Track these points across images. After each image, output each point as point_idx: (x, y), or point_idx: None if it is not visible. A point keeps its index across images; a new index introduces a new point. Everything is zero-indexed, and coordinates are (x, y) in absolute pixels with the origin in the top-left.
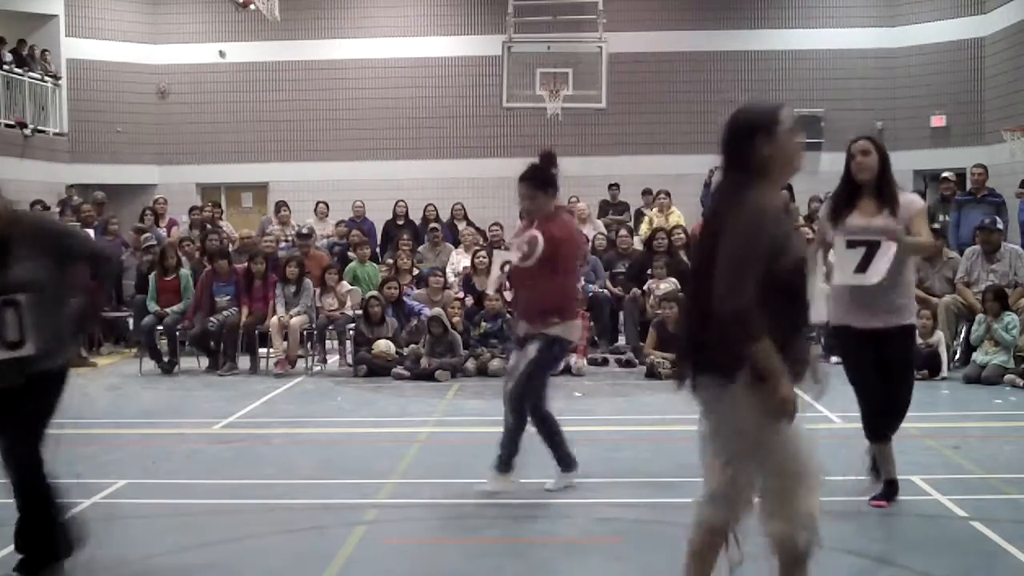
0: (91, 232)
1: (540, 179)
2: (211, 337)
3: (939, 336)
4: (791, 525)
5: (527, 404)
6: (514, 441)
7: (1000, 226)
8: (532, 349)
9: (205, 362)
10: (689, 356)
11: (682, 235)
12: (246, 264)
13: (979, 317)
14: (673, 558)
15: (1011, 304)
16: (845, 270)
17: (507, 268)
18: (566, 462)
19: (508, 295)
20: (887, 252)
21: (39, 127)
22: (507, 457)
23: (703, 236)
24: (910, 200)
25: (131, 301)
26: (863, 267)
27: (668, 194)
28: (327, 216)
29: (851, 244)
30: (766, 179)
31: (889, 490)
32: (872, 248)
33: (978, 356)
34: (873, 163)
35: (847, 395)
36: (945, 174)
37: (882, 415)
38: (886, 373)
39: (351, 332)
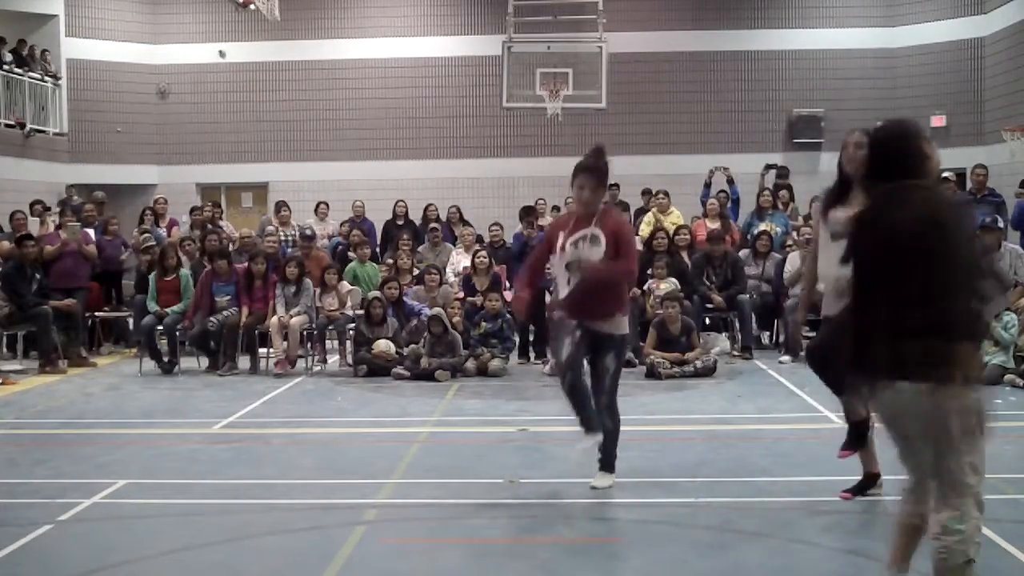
0: (91, 232)
1: (603, 173)
2: (211, 337)
3: None
4: (969, 519)
5: (617, 406)
6: (614, 442)
7: (1000, 225)
8: (612, 358)
9: (205, 362)
10: (878, 363)
11: (687, 236)
12: (246, 264)
13: None
14: (673, 558)
15: (1011, 304)
16: (829, 263)
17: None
18: (591, 424)
19: (508, 295)
20: None
21: (39, 127)
22: (610, 459)
23: (877, 237)
24: None
25: (131, 301)
26: (846, 259)
27: (667, 194)
28: (327, 216)
29: (834, 237)
30: (930, 179)
31: (865, 482)
32: None
33: None
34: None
35: None
36: (945, 174)
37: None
38: None
39: (351, 332)
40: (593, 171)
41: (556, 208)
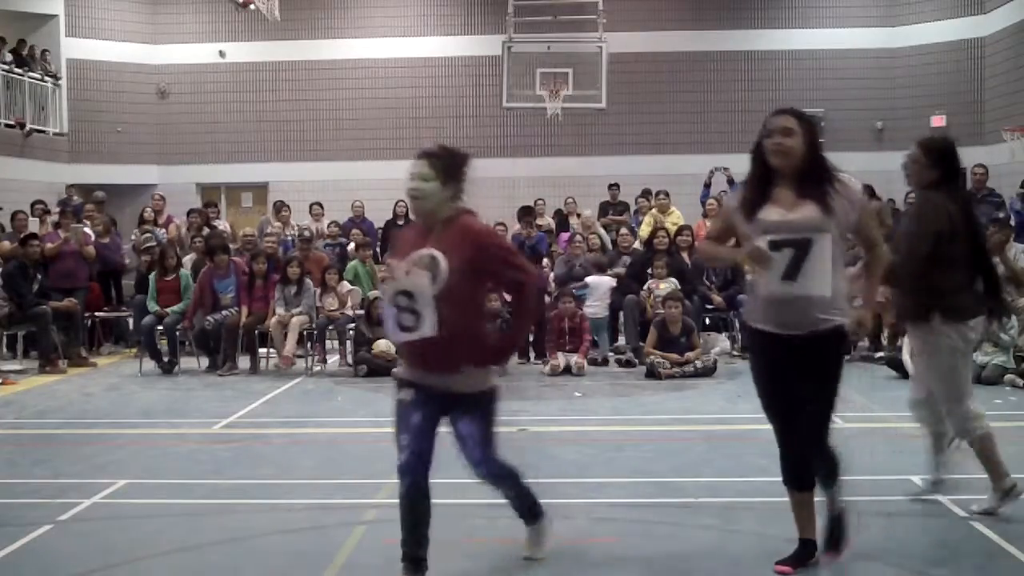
0: (91, 232)
1: (445, 162)
2: (211, 336)
3: None
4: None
5: (501, 466)
6: (525, 497)
7: (1012, 223)
8: (467, 423)
9: (205, 362)
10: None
11: (688, 237)
12: (247, 259)
13: None
14: (673, 558)
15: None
16: (770, 278)
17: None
18: (534, 512)
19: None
20: (822, 252)
21: (39, 127)
22: (531, 509)
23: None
24: (851, 189)
25: (131, 301)
26: (792, 273)
27: (667, 194)
28: (322, 217)
29: (775, 245)
30: None
31: (804, 551)
32: (801, 248)
33: (978, 356)
34: (795, 147)
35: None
36: None
37: (802, 452)
38: (805, 386)
39: (351, 332)
40: (434, 157)
41: (559, 211)
